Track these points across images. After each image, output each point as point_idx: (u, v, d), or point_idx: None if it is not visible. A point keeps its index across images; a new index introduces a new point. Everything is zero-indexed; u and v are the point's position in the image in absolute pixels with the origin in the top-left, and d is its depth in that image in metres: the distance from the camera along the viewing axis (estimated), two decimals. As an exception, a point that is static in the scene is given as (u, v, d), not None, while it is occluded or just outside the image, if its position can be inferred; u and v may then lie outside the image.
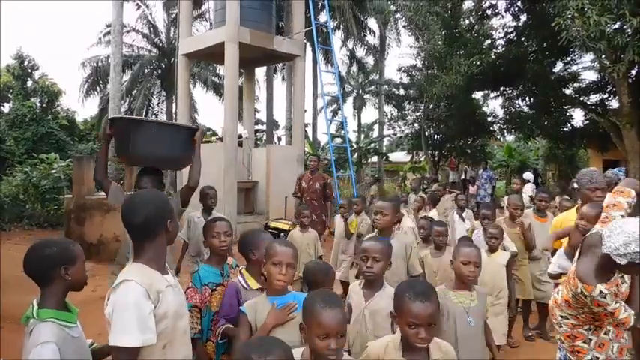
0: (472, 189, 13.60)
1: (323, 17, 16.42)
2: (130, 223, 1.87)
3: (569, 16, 8.36)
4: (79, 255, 1.93)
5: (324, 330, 1.68)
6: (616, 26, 8.58)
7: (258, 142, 18.95)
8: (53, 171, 11.44)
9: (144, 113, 21.51)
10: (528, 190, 10.30)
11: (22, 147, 16.65)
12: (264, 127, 21.19)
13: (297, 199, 7.33)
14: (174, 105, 15.66)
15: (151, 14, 20.02)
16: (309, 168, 6.75)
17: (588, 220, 2.87)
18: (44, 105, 19.48)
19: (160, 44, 19.88)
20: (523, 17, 13.72)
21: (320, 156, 11.12)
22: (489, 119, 17.86)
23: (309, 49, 16.44)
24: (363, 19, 20.58)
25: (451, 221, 6.23)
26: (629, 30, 8.33)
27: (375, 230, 3.47)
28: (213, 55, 11.13)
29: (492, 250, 4.07)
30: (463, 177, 17.30)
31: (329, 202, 7.20)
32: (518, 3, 13.27)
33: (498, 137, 19.78)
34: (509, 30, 14.36)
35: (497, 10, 13.80)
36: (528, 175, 12.01)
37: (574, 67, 14.88)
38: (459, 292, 2.70)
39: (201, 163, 3.26)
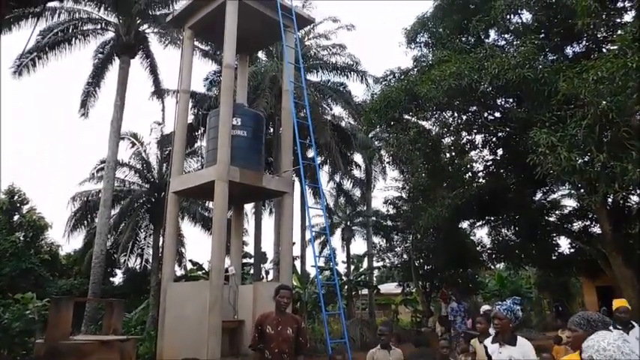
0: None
1: (311, 153, 17.26)
2: None
3: (542, 151, 8.87)
4: None
5: None
6: (587, 159, 9.07)
7: (245, 276, 18.50)
8: (27, 312, 10.81)
9: (130, 247, 21.27)
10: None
11: (-1, 284, 16.02)
12: (251, 260, 20.90)
13: (256, 352, 5.00)
14: (161, 238, 15.55)
15: (144, 151, 20.81)
16: (278, 306, 4.98)
17: None
18: (28, 239, 19.22)
19: (152, 179, 20.36)
20: (500, 151, 14.53)
21: (292, 289, 7.32)
22: (478, 248, 17.92)
23: (297, 183, 16.99)
24: (349, 154, 21.64)
25: None
26: (598, 164, 8.80)
27: None
28: (203, 191, 11.36)
29: None
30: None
31: (301, 356, 5.12)
32: (494, 139, 14.15)
33: (489, 266, 19.67)
34: (489, 163, 15.11)
35: (475, 144, 14.65)
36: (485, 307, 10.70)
37: (554, 196, 15.41)
38: None
39: None
